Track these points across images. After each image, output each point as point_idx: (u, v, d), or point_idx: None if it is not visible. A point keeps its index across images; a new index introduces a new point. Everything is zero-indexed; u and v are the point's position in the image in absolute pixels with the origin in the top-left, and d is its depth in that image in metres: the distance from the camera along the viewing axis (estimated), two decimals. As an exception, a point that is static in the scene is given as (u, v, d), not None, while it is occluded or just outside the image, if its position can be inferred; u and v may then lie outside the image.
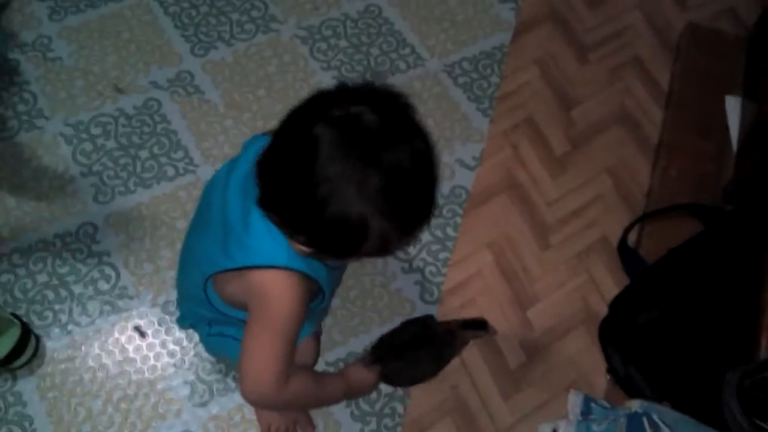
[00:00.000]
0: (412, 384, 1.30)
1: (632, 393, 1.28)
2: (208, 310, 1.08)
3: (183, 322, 1.25)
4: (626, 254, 1.47)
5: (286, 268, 0.91)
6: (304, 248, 0.87)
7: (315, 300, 1.03)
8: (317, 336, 1.20)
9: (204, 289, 1.05)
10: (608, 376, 1.35)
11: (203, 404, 1.30)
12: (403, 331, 1.26)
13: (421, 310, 1.41)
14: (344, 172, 0.76)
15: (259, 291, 0.94)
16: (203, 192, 1.13)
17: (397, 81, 1.67)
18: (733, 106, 1.62)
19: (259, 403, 1.13)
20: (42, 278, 1.39)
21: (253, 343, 0.96)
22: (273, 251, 0.90)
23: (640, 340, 1.32)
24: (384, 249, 0.86)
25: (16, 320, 1.28)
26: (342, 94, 0.83)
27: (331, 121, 0.78)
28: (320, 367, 1.33)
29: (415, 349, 1.23)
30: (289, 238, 0.88)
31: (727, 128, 1.60)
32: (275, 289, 0.93)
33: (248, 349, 0.96)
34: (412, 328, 1.26)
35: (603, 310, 1.40)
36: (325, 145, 0.77)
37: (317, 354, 1.19)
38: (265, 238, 0.89)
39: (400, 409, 1.32)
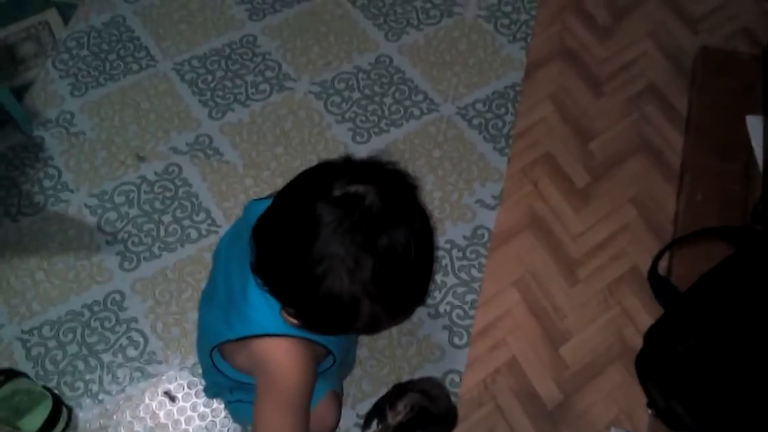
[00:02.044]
0: None
1: (675, 426, 1.24)
2: (222, 379, 1.08)
3: (207, 393, 1.25)
4: (658, 283, 1.44)
5: (285, 336, 0.90)
6: (292, 320, 0.86)
7: (324, 361, 1.01)
8: (337, 396, 1.16)
9: (211, 359, 1.05)
10: (649, 411, 1.30)
11: (236, 466, 1.29)
12: (405, 400, 1.22)
13: (451, 355, 1.38)
14: (340, 255, 0.75)
15: (261, 361, 0.93)
16: (212, 259, 1.13)
17: (412, 127, 1.69)
18: (755, 126, 1.60)
19: None
20: (72, 349, 1.40)
21: (263, 416, 0.95)
22: (270, 319, 0.89)
23: (679, 370, 1.28)
24: (374, 329, 0.86)
25: (47, 393, 1.29)
26: (347, 169, 0.82)
27: (334, 200, 0.77)
28: (352, 419, 1.31)
29: (425, 423, 1.20)
30: (280, 307, 0.87)
31: (750, 148, 1.57)
32: (276, 359, 0.92)
33: (259, 423, 0.95)
34: (415, 398, 1.22)
35: (639, 343, 1.36)
36: (325, 225, 0.76)
37: (337, 415, 1.15)
38: (263, 306, 0.88)
39: (437, 459, 1.29)
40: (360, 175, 0.80)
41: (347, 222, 0.75)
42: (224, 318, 0.98)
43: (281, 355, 0.92)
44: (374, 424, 1.23)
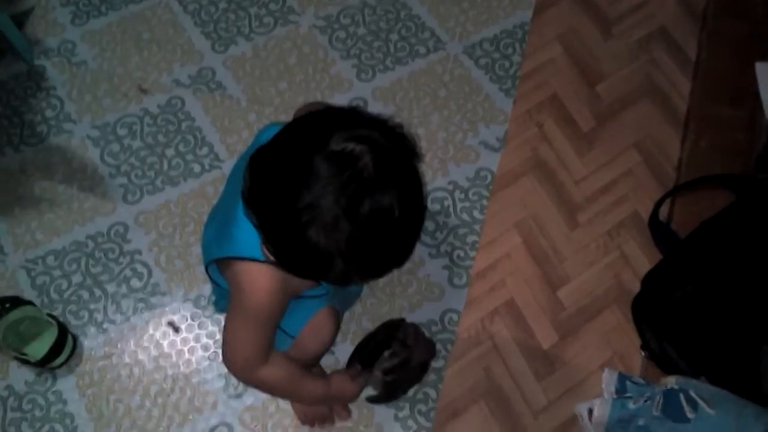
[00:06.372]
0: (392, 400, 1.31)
1: (668, 369, 1.26)
2: (224, 290, 1.12)
3: (216, 306, 1.31)
4: (658, 229, 1.45)
5: (263, 262, 0.93)
6: (269, 255, 0.89)
7: (315, 289, 1.06)
8: (335, 312, 1.19)
9: (207, 272, 1.11)
10: (643, 353, 1.33)
11: (238, 396, 1.32)
12: (384, 349, 1.23)
13: (450, 295, 1.40)
14: (323, 210, 0.76)
15: (236, 279, 0.98)
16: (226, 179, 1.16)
17: (418, 66, 1.67)
18: (764, 73, 1.57)
19: (237, 380, 1.21)
20: (76, 279, 1.42)
21: (228, 326, 1.04)
22: (253, 245, 0.92)
23: (674, 315, 1.30)
24: (345, 283, 0.89)
25: (52, 321, 1.31)
26: (350, 122, 0.81)
27: (329, 155, 0.77)
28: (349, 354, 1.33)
29: (397, 372, 1.23)
30: (261, 240, 0.89)
31: (758, 96, 1.56)
32: (249, 281, 0.97)
33: (224, 331, 1.04)
34: (395, 347, 1.23)
35: (636, 287, 1.38)
36: (316, 178, 0.76)
37: (333, 329, 1.18)
38: (249, 231, 0.89)
39: (433, 394, 1.32)
40: (360, 132, 0.79)
41: (337, 181, 0.76)
42: (217, 236, 1.03)
43: (254, 278, 0.96)
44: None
